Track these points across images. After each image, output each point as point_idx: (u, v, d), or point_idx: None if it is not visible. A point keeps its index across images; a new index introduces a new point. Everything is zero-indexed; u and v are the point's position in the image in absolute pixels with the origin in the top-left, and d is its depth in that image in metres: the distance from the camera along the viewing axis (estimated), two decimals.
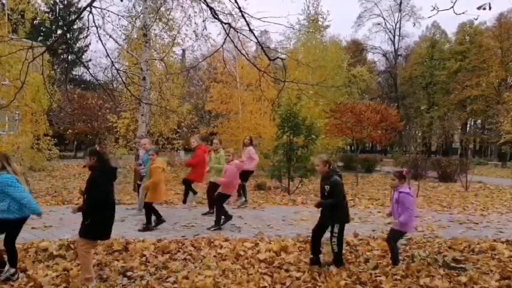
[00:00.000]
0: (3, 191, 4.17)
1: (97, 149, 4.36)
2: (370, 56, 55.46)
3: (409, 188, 4.83)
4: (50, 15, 29.70)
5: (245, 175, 9.23)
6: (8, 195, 4.17)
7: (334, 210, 4.72)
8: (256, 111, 18.77)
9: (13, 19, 11.51)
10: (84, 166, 4.25)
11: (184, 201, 8.93)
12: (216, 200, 7.13)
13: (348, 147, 36.00)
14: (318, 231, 4.92)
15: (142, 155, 8.23)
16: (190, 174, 8.94)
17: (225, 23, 4.56)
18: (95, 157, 4.18)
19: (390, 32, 52.29)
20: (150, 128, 15.83)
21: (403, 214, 4.63)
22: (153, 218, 6.88)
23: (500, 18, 40.06)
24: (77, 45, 40.26)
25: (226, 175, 7.03)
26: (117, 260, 4.85)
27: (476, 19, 4.30)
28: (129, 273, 4.48)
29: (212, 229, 6.74)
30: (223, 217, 6.97)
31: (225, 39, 4.83)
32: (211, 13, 4.25)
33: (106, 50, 4.92)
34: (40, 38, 33.10)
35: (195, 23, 24.65)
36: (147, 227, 6.70)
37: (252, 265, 4.79)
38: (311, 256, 4.92)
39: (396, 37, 51.98)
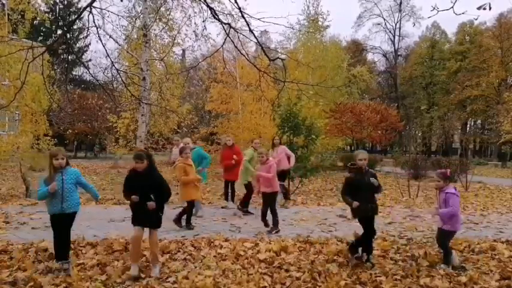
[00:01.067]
0: (77, 182, 4.45)
1: (147, 151, 4.78)
2: (370, 56, 55.67)
3: (455, 188, 4.82)
4: (50, 15, 29.75)
5: (283, 174, 9.49)
6: (76, 187, 4.48)
7: (375, 201, 4.88)
8: (256, 111, 18.76)
9: (13, 19, 11.53)
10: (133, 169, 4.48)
11: (232, 200, 9.16)
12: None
13: (348, 147, 36.00)
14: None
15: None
16: (229, 175, 8.95)
17: (225, 23, 4.57)
18: (148, 159, 4.50)
19: (390, 32, 52.44)
20: (150, 128, 15.87)
21: (443, 210, 4.72)
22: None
23: (500, 18, 40.12)
24: (77, 45, 40.34)
25: (271, 170, 6.70)
26: (117, 260, 4.84)
27: (476, 19, 4.31)
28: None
29: (274, 232, 6.59)
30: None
31: (225, 40, 4.84)
32: (211, 13, 4.26)
33: (106, 50, 4.94)
34: (40, 38, 33.14)
35: (195, 23, 24.70)
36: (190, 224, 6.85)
37: (252, 265, 4.78)
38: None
39: (396, 37, 52.16)
